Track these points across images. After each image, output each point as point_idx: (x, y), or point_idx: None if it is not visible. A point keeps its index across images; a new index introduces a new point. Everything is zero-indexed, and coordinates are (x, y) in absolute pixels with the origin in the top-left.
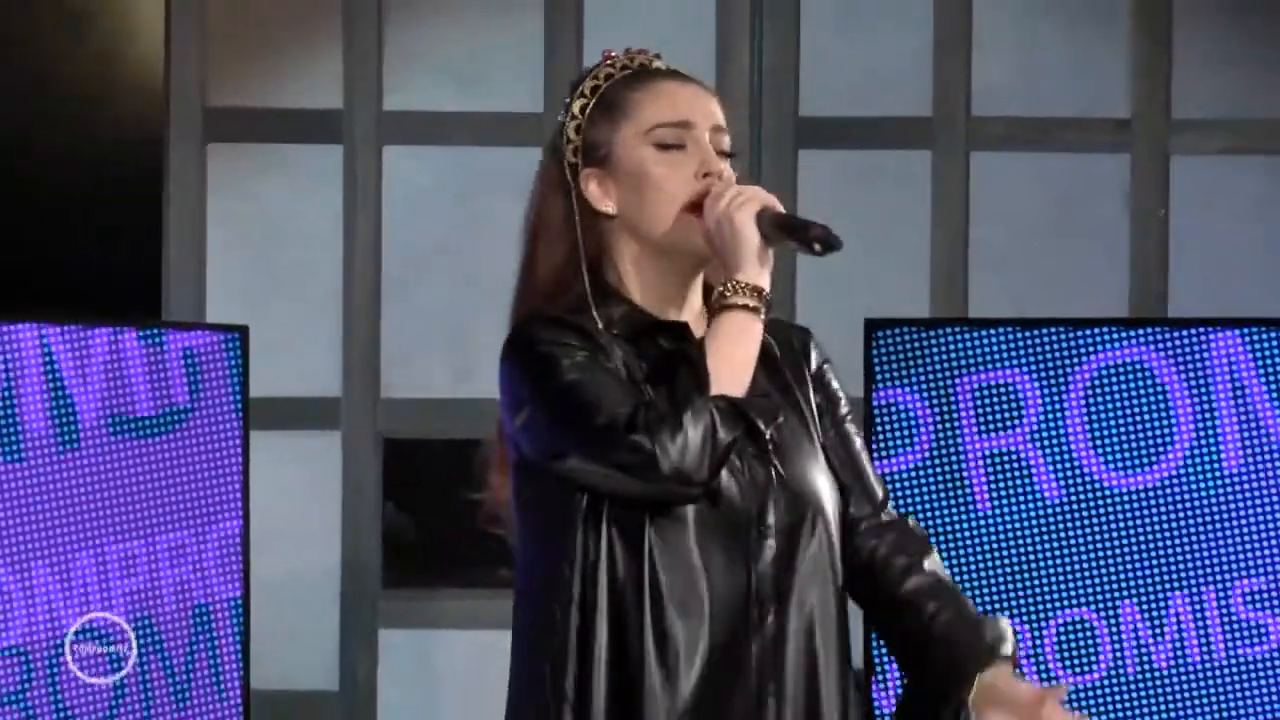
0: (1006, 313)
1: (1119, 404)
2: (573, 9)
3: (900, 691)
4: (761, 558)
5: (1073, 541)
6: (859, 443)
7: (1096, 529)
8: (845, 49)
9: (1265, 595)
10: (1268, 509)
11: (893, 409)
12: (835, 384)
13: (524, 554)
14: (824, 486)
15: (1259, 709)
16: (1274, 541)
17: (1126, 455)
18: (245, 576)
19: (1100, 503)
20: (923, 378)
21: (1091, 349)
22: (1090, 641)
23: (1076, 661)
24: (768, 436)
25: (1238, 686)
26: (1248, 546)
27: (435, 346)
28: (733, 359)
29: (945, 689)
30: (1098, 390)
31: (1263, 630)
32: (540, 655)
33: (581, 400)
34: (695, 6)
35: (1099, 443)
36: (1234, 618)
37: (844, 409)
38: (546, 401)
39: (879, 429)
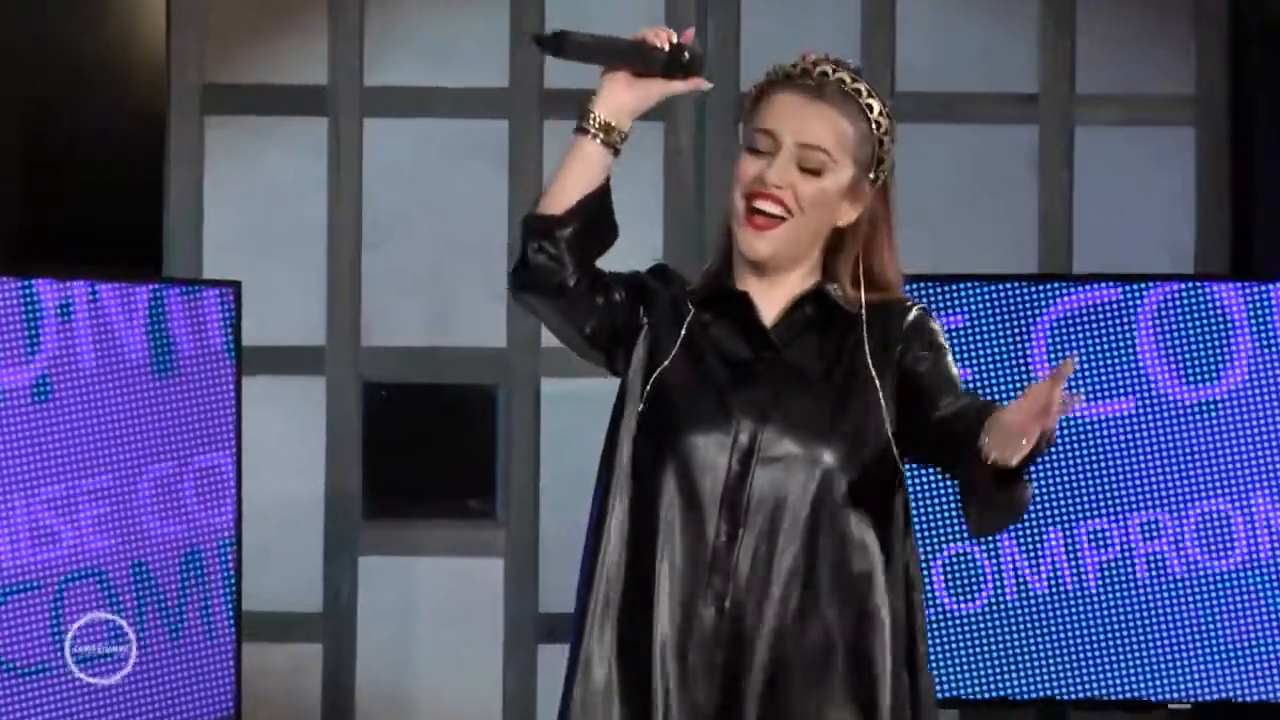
0: (926, 267)
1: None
2: None
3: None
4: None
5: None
6: (936, 364)
7: None
8: (783, 31)
9: (1104, 533)
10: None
11: None
12: (919, 332)
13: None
14: (804, 433)
15: (1124, 630)
16: (1111, 486)
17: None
18: (238, 509)
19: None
20: None
21: (1004, 301)
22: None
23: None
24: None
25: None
26: (1095, 490)
27: (411, 300)
28: (561, 167)
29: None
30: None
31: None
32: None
33: None
34: None
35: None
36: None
37: (922, 349)
38: None
39: None
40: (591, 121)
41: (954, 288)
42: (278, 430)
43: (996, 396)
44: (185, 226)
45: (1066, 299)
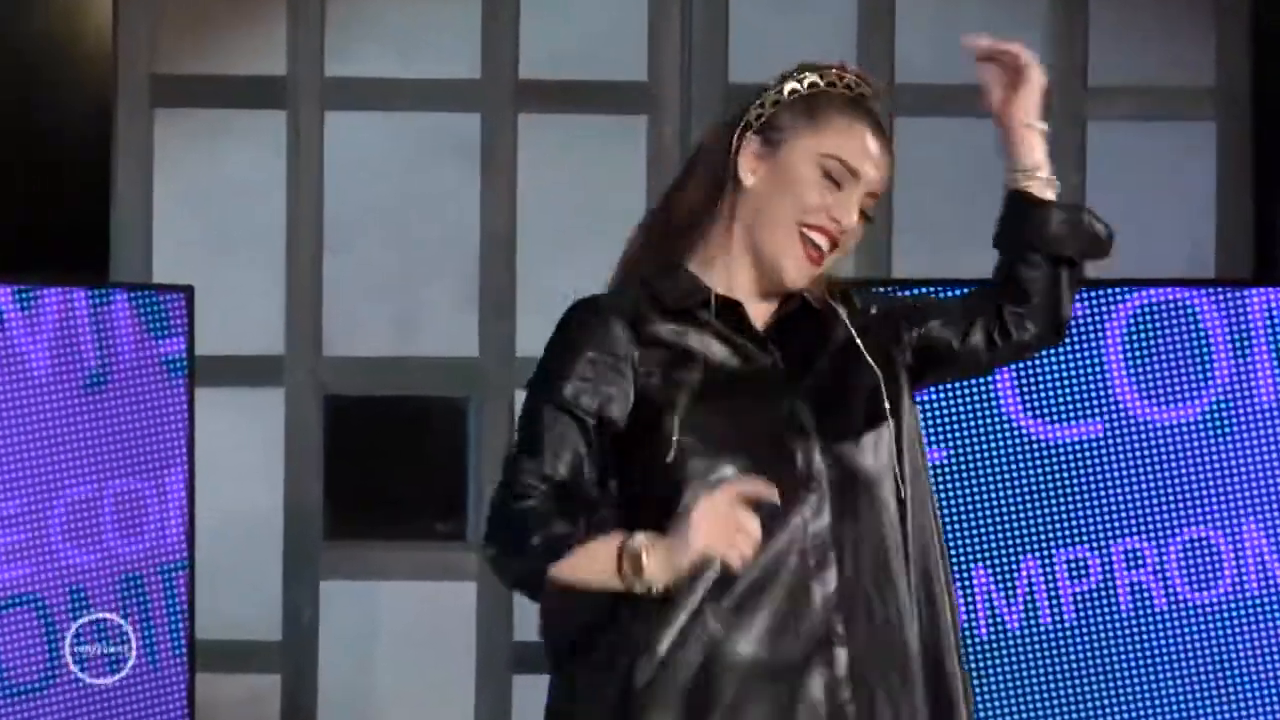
0: (928, 272)
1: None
2: None
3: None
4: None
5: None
6: (913, 302)
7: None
8: (773, 21)
9: (1082, 563)
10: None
11: None
12: (876, 307)
13: None
14: (842, 442)
15: (1108, 668)
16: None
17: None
18: (190, 529)
19: (971, 463)
20: None
21: None
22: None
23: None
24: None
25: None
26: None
27: (376, 306)
28: (586, 571)
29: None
30: None
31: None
32: None
33: (520, 449)
34: None
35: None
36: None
37: (888, 310)
38: (523, 410)
39: None
40: (644, 582)
41: (953, 294)
42: (233, 445)
43: (997, 401)
44: (134, 227)
45: (1074, 304)
